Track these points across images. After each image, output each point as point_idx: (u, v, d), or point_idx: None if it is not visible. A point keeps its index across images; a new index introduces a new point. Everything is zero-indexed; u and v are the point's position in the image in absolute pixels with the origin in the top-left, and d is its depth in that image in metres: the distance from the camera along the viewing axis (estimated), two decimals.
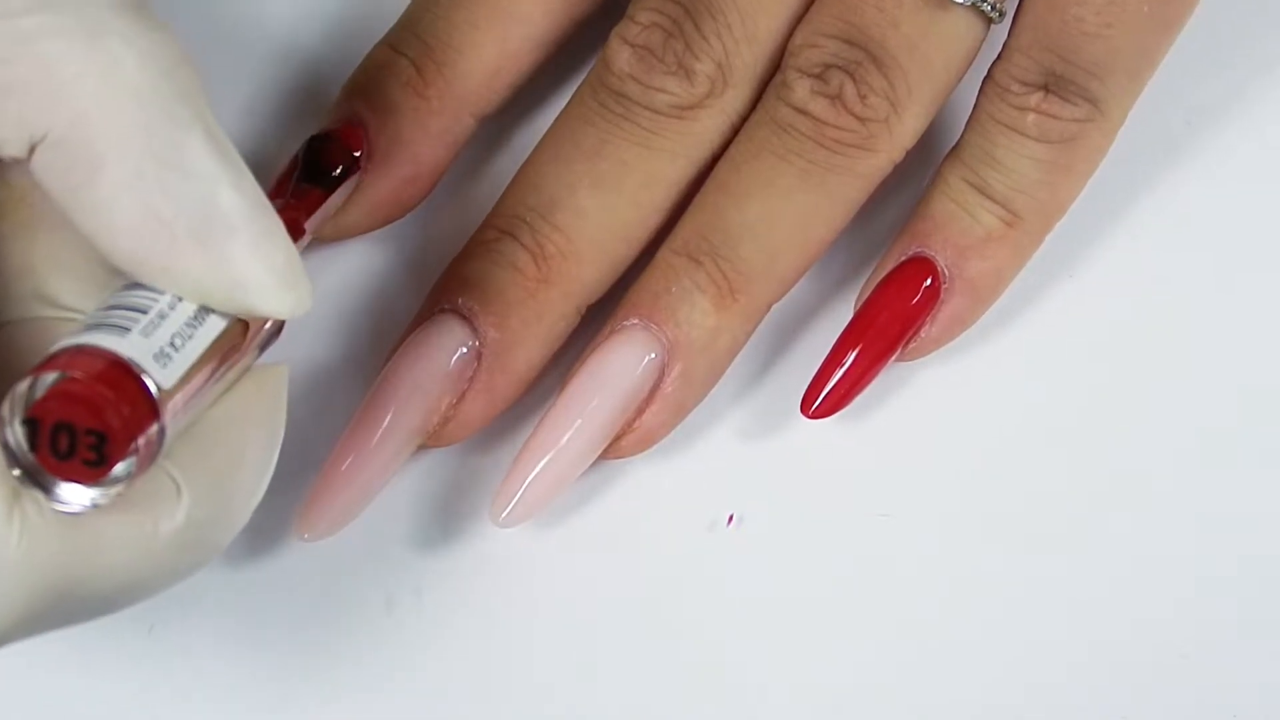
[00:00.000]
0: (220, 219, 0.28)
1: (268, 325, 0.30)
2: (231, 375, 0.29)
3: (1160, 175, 0.38)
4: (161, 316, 0.28)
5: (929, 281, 0.35)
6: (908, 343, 0.36)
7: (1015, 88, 0.35)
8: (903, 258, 0.36)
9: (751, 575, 0.37)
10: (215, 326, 0.29)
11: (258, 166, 0.37)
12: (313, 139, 0.35)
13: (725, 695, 0.36)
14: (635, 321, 0.35)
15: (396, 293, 0.38)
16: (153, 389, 0.27)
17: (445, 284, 0.35)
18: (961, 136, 0.36)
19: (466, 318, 0.35)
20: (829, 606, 0.37)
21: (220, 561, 0.36)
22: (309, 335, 0.37)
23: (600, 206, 0.35)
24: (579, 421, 0.35)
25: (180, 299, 0.28)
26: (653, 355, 0.35)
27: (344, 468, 0.34)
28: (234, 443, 0.29)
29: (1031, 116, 0.35)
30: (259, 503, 0.30)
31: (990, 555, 0.37)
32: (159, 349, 0.28)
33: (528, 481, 0.35)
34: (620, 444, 0.35)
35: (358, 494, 0.35)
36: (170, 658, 0.36)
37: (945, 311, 0.36)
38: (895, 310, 0.35)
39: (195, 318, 0.28)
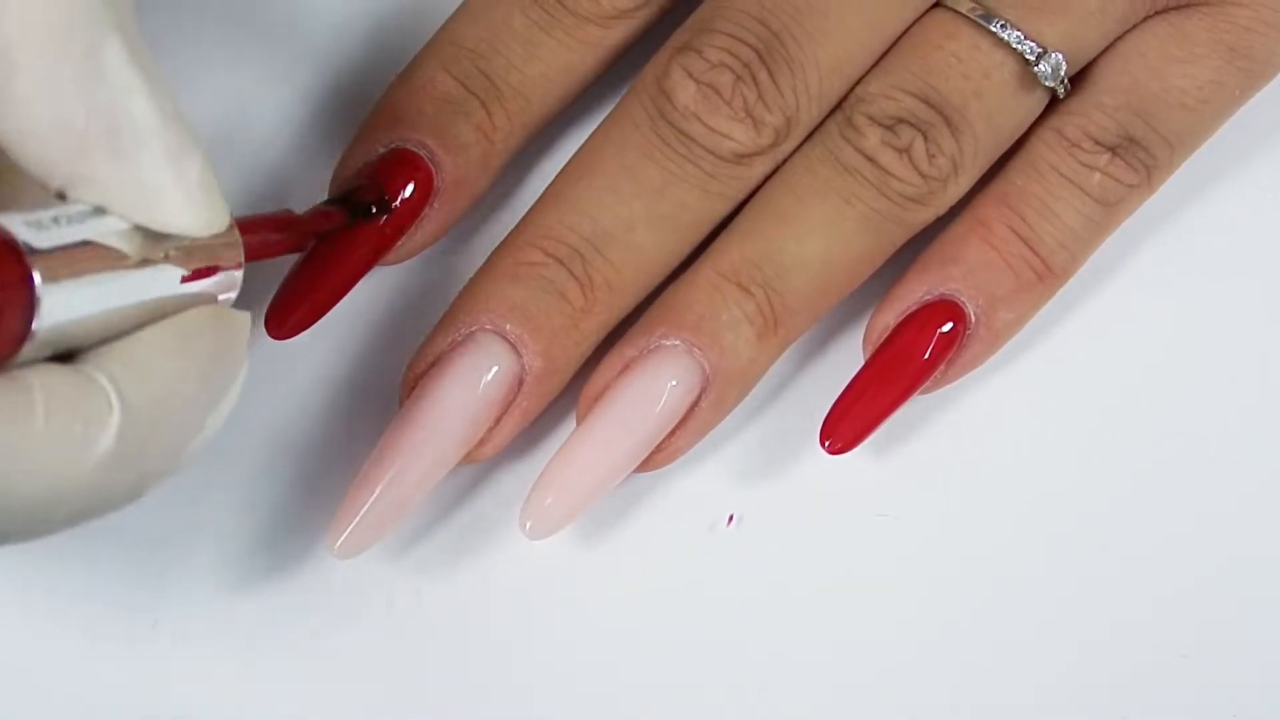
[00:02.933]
0: (133, 128, 0.27)
1: (207, 252, 0.29)
2: (161, 295, 0.29)
3: (1165, 185, 0.38)
4: (46, 207, 0.28)
5: (953, 325, 0.35)
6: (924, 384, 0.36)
7: (1087, 145, 0.35)
8: (928, 297, 0.35)
9: (751, 575, 0.37)
10: (113, 224, 0.28)
11: (293, 167, 0.38)
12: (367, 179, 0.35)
13: (725, 695, 0.36)
14: (677, 342, 0.35)
15: (402, 293, 0.38)
16: (18, 239, 0.27)
17: (485, 302, 0.35)
18: (1011, 182, 0.36)
19: (512, 343, 0.35)
20: (829, 606, 0.37)
21: (222, 561, 0.36)
22: (321, 332, 0.37)
23: (654, 245, 0.35)
24: (617, 439, 0.35)
25: (73, 200, 0.28)
26: (691, 379, 0.35)
27: (381, 486, 0.34)
28: (173, 371, 0.28)
29: (1097, 176, 0.35)
30: (205, 444, 0.29)
31: (990, 555, 0.37)
32: (35, 219, 0.27)
33: (559, 495, 0.35)
34: (647, 461, 0.35)
35: (391, 514, 0.34)
36: (172, 654, 0.36)
37: (964, 356, 0.36)
38: (918, 352, 0.35)
39: (90, 212, 0.28)
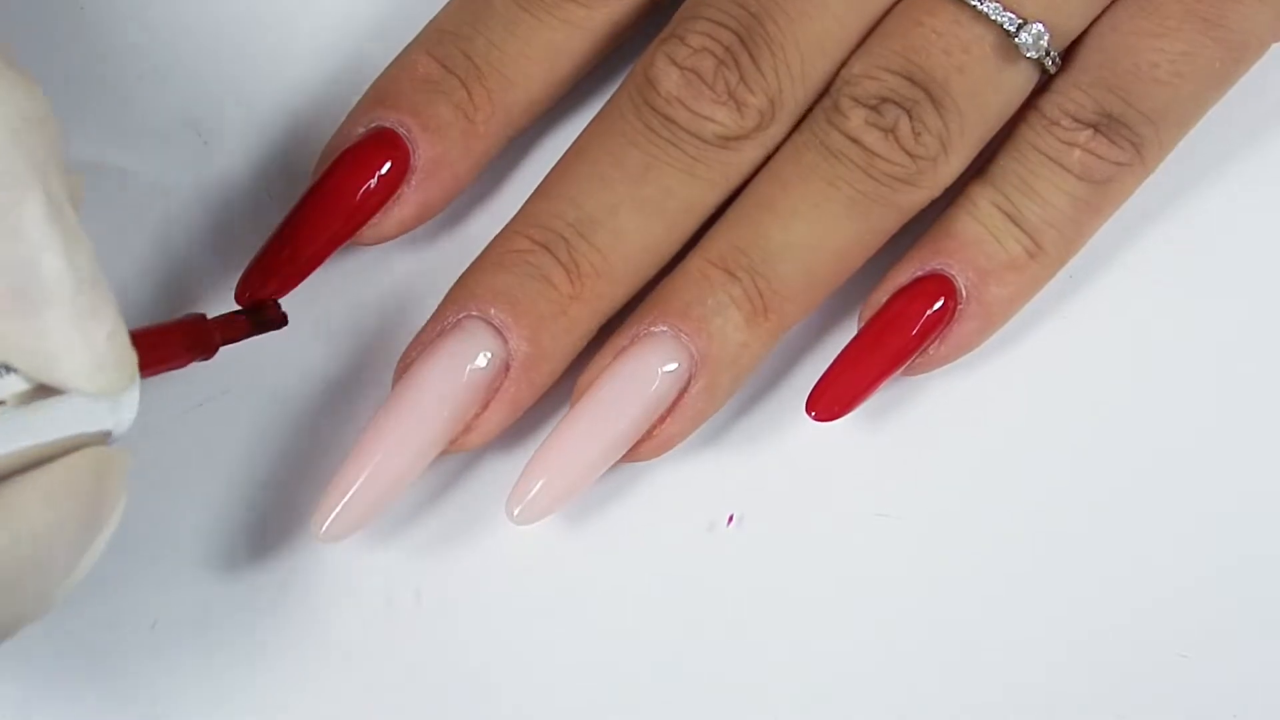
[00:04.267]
0: (42, 286, 0.27)
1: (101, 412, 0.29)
2: (51, 443, 0.28)
3: (1160, 177, 0.38)
4: None
5: (944, 300, 0.35)
6: (915, 357, 0.36)
7: (1066, 122, 0.35)
8: (920, 272, 0.36)
9: (751, 575, 0.37)
10: (14, 384, 0.28)
11: (287, 165, 0.38)
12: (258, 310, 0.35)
13: (725, 695, 0.36)
14: (664, 329, 0.35)
15: (404, 288, 0.38)
16: None
17: (473, 290, 0.35)
18: (996, 161, 0.36)
19: (498, 329, 0.35)
20: (828, 606, 0.37)
21: (222, 561, 0.36)
22: (315, 331, 0.37)
23: (640, 230, 0.35)
24: (604, 426, 0.35)
25: None
26: (680, 365, 0.35)
27: (365, 472, 0.34)
28: (50, 519, 0.28)
29: (1077, 153, 0.35)
30: (77, 586, 0.29)
31: (989, 555, 0.37)
32: None
33: (546, 481, 0.35)
34: (636, 450, 0.35)
35: (377, 498, 0.34)
36: (171, 654, 0.36)
37: (955, 332, 0.36)
38: (908, 323, 0.35)
39: None
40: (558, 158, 0.37)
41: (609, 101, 0.36)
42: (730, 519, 0.37)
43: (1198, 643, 0.37)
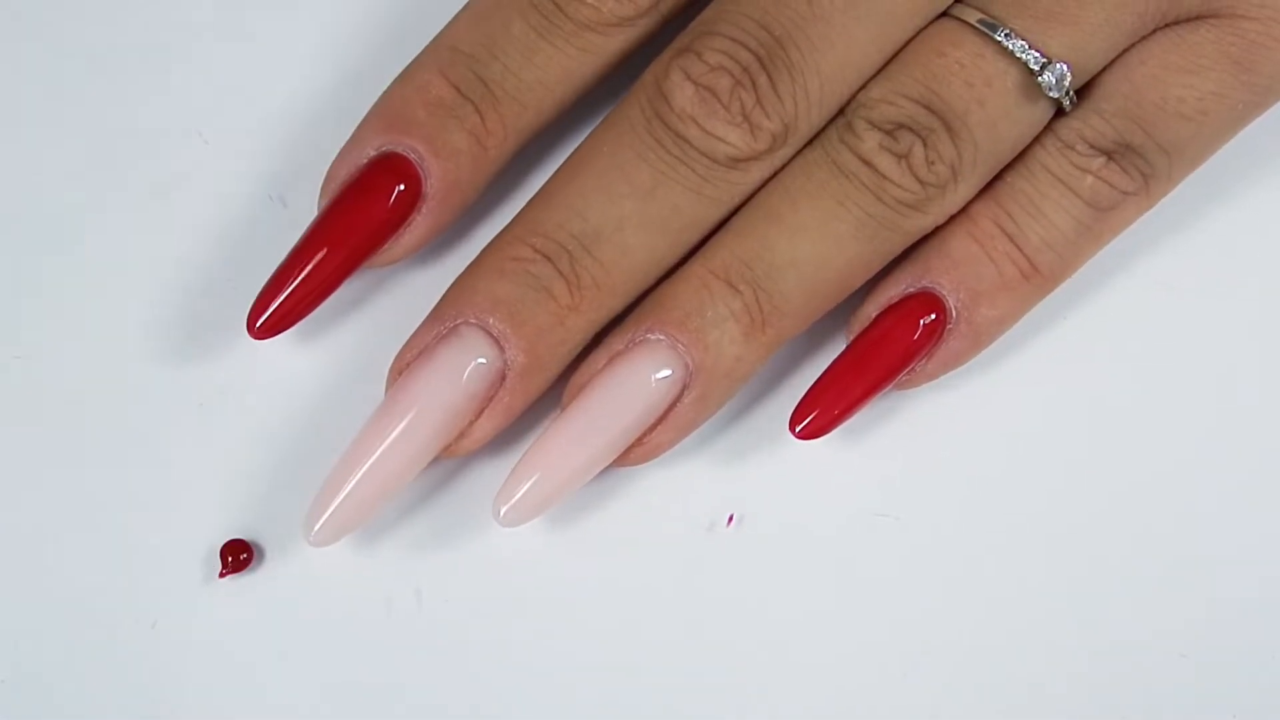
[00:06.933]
0: None
1: None
2: None
3: None
4: None
5: (933, 317, 0.35)
6: (900, 377, 0.36)
7: (1081, 148, 0.35)
8: (911, 289, 0.36)
9: (751, 575, 0.37)
10: None
11: (287, 174, 0.38)
12: None
13: (725, 695, 0.36)
14: (661, 337, 0.35)
15: (400, 288, 0.38)
16: None
17: (471, 296, 0.35)
18: (1004, 179, 0.36)
19: (495, 338, 0.35)
20: (828, 607, 0.37)
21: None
22: (313, 331, 0.37)
23: (644, 246, 0.35)
24: (594, 431, 0.35)
25: None
26: (674, 374, 0.35)
27: (357, 476, 0.34)
28: None
29: (1090, 179, 0.35)
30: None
31: (989, 556, 0.37)
32: None
33: (535, 483, 0.35)
34: (625, 456, 0.35)
35: (368, 505, 0.34)
36: (171, 655, 0.36)
37: (943, 350, 0.36)
38: (896, 342, 0.35)
39: None
40: (559, 159, 0.37)
41: (618, 109, 0.35)
42: (730, 519, 0.37)
43: (1198, 643, 0.37)
